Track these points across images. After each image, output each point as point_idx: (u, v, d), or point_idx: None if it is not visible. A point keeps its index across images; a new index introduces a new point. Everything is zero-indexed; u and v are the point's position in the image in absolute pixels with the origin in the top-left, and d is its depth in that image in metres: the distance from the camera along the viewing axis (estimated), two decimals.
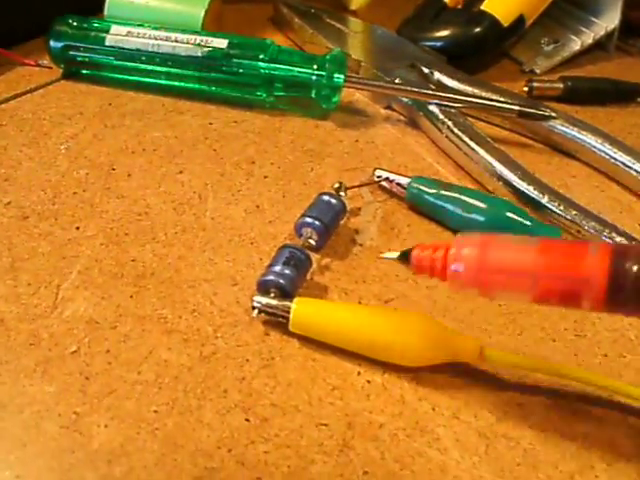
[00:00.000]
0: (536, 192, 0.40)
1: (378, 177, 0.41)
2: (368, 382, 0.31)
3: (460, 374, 0.31)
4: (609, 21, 0.57)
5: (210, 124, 0.46)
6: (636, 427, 0.30)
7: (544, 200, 0.39)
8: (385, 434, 0.29)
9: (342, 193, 0.39)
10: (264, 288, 0.33)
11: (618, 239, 0.37)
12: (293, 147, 0.44)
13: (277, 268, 0.33)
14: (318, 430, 0.29)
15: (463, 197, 0.38)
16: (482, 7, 0.53)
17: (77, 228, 0.37)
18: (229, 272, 0.35)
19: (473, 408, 0.30)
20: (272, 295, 0.32)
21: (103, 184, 0.40)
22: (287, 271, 0.33)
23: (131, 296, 0.34)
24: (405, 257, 0.29)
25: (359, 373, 0.31)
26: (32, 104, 0.46)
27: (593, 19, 0.58)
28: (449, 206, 0.38)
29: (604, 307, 0.25)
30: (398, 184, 0.40)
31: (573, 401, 0.31)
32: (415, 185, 0.39)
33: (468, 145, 0.43)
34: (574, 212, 0.39)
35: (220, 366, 0.31)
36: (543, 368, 0.31)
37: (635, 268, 0.24)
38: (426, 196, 0.39)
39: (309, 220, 0.36)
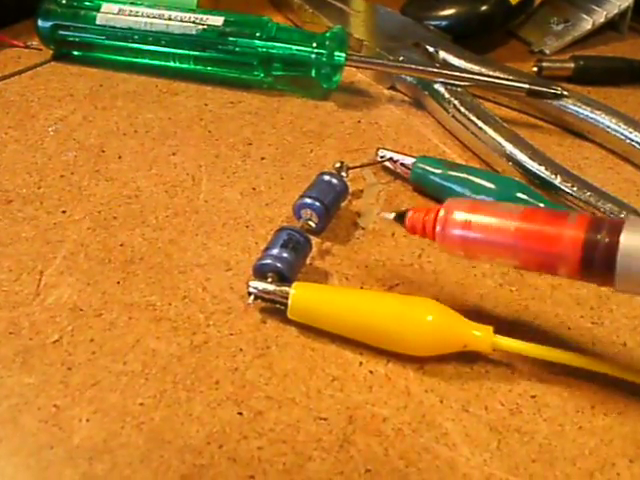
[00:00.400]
0: (548, 172, 0.38)
1: (381, 157, 0.39)
2: (371, 372, 0.29)
3: (469, 364, 0.29)
4: None
5: (205, 105, 0.44)
6: None
7: (557, 181, 0.38)
8: (389, 428, 0.27)
9: (344, 173, 0.37)
10: (261, 273, 0.31)
11: None
12: (292, 128, 0.43)
13: (274, 251, 0.31)
14: (316, 424, 0.27)
15: (471, 177, 0.37)
16: None
17: (63, 212, 0.35)
18: (223, 257, 0.33)
19: (484, 400, 0.28)
20: (269, 280, 0.30)
21: (92, 167, 0.38)
22: (285, 255, 0.31)
23: (118, 282, 0.32)
24: (401, 218, 0.30)
25: (361, 363, 0.29)
26: (20, 86, 0.45)
27: None
28: (456, 187, 0.37)
29: (579, 277, 0.26)
30: (402, 164, 0.38)
31: (591, 393, 0.29)
32: (420, 165, 0.38)
33: (476, 124, 0.41)
34: (588, 193, 0.37)
35: (212, 356, 0.29)
36: (558, 357, 0.29)
37: (607, 240, 0.25)
38: (432, 177, 0.37)
39: (309, 201, 0.34)
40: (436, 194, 0.38)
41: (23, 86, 0.45)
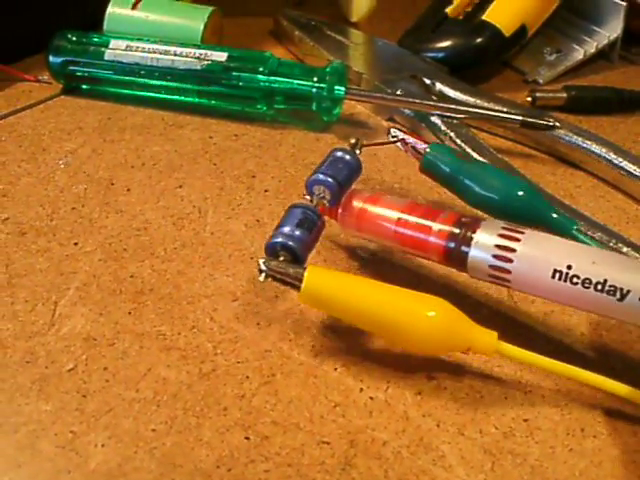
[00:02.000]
0: None
1: (394, 137, 0.38)
2: (371, 398, 0.30)
3: (465, 389, 0.31)
4: (612, 30, 0.57)
5: (210, 138, 0.45)
6: None
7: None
8: (388, 452, 0.28)
9: (358, 150, 0.36)
10: (273, 251, 0.31)
11: (625, 249, 0.37)
12: (294, 160, 0.44)
13: (287, 229, 0.31)
14: (320, 448, 0.28)
15: (481, 172, 0.36)
16: (484, 17, 0.52)
17: (75, 244, 0.37)
18: (229, 287, 0.35)
19: (479, 424, 0.29)
20: (282, 259, 0.31)
21: (102, 199, 0.40)
22: (298, 233, 0.31)
23: (129, 312, 0.33)
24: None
25: (361, 389, 0.30)
26: (32, 119, 0.46)
27: (596, 28, 0.58)
28: (466, 180, 0.36)
29: (444, 263, 0.32)
30: (414, 148, 0.37)
31: (581, 416, 0.30)
32: (433, 152, 0.37)
33: (471, 156, 0.42)
34: (581, 223, 0.38)
35: (220, 383, 0.30)
36: (558, 369, 0.30)
37: (464, 234, 0.31)
38: (443, 165, 0.36)
39: (322, 177, 0.33)
40: (444, 183, 0.37)
41: (35, 119, 0.46)
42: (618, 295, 0.28)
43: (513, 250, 0.30)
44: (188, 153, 0.44)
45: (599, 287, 0.28)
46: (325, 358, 0.31)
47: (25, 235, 0.37)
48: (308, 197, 0.35)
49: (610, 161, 0.44)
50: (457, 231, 0.31)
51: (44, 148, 0.44)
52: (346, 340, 0.32)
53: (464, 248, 0.30)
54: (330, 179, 0.33)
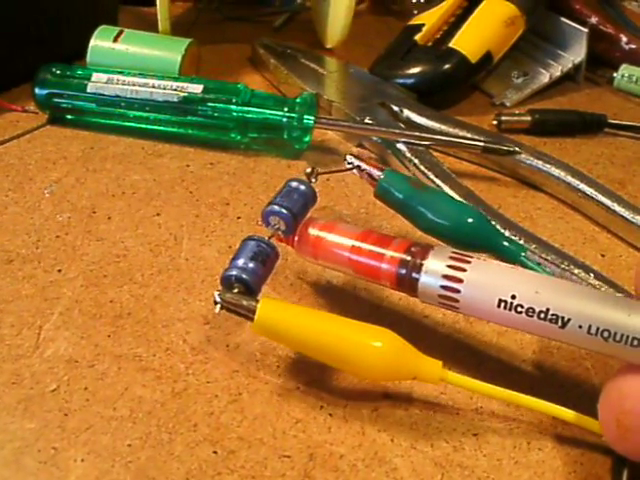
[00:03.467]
0: (498, 226, 0.41)
1: (349, 164, 0.39)
2: (330, 415, 0.32)
3: (419, 406, 0.33)
4: (576, 54, 0.59)
5: (187, 166, 0.48)
6: (587, 455, 0.31)
7: (506, 234, 0.41)
8: (345, 465, 0.30)
9: (313, 179, 0.37)
10: (228, 284, 0.32)
11: (576, 271, 0.39)
12: (266, 187, 0.46)
13: (241, 262, 0.32)
14: (281, 461, 0.30)
15: (433, 199, 0.37)
16: (451, 45, 0.55)
17: (59, 270, 0.39)
18: (201, 311, 0.37)
19: (430, 438, 0.32)
20: (236, 291, 0.31)
21: (84, 227, 0.42)
22: (252, 265, 0.32)
23: (109, 335, 0.35)
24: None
25: (322, 407, 0.33)
26: (19, 149, 0.48)
27: (561, 52, 0.60)
28: (418, 207, 0.37)
29: (396, 288, 0.33)
30: (370, 175, 0.38)
31: (528, 430, 0.32)
32: (388, 179, 0.37)
33: (433, 182, 0.45)
34: (534, 245, 0.40)
35: (191, 401, 0.32)
36: (500, 395, 0.32)
37: (415, 261, 0.32)
38: (397, 193, 0.37)
39: (276, 208, 0.34)
40: (397, 209, 0.38)
41: (22, 149, 0.48)
42: (560, 323, 0.29)
43: (460, 279, 0.31)
44: (166, 181, 0.46)
45: (542, 315, 0.29)
46: (289, 378, 0.34)
47: (12, 262, 0.39)
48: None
49: (569, 184, 0.46)
50: (408, 258, 0.32)
51: (30, 178, 0.46)
52: (308, 361, 0.34)
53: (415, 275, 0.32)
54: (285, 210, 0.34)
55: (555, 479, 0.30)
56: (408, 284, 0.32)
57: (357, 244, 0.34)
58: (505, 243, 0.37)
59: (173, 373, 0.34)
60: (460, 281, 0.31)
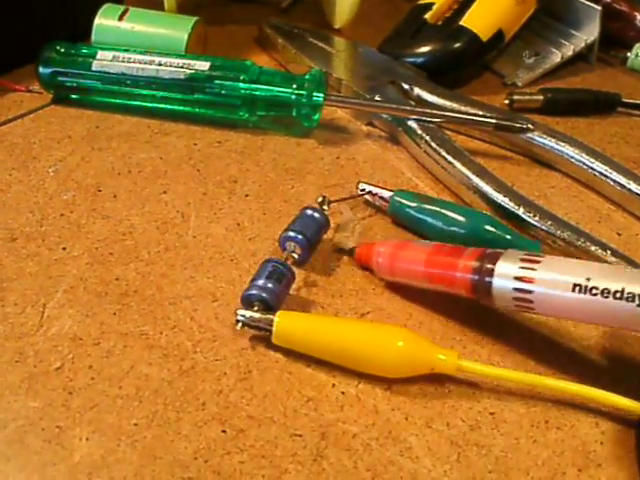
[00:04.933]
0: (512, 204, 0.41)
1: (362, 190, 0.42)
2: (342, 393, 0.32)
3: (434, 384, 0.32)
4: (589, 33, 0.58)
5: (194, 144, 0.47)
6: (608, 433, 0.31)
7: (520, 211, 0.40)
8: (358, 444, 0.30)
9: (325, 207, 0.40)
10: (248, 302, 0.34)
11: (593, 248, 0.38)
12: (274, 165, 0.45)
13: (260, 282, 0.34)
14: (292, 440, 0.30)
15: (443, 210, 0.39)
16: (461, 23, 0.54)
17: (64, 248, 0.38)
18: (209, 289, 0.36)
19: (446, 417, 0.31)
20: (255, 309, 0.33)
21: (89, 205, 0.41)
22: (270, 285, 0.34)
23: (114, 313, 0.35)
24: (352, 253, 0.38)
25: (334, 385, 0.32)
26: (23, 129, 0.48)
27: (573, 32, 0.59)
28: (430, 219, 0.39)
29: (473, 296, 0.33)
30: (381, 197, 0.41)
31: (546, 409, 0.32)
32: (397, 199, 0.40)
33: (445, 159, 0.44)
34: (549, 222, 0.40)
35: (199, 380, 0.32)
36: (517, 378, 0.32)
37: (486, 267, 0.32)
38: (408, 209, 0.40)
39: (292, 234, 0.37)
40: (412, 225, 0.41)
41: (26, 129, 0.48)
42: (637, 301, 0.29)
43: (532, 279, 0.31)
44: (173, 160, 0.45)
45: (617, 295, 0.29)
46: (299, 355, 0.33)
47: (16, 240, 0.38)
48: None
49: (583, 162, 0.45)
50: (479, 264, 0.33)
51: (34, 157, 0.45)
52: None
53: (487, 279, 0.32)
54: (300, 236, 0.37)
55: (575, 459, 0.30)
56: (483, 289, 0.33)
57: (431, 258, 0.35)
58: (519, 241, 0.38)
59: (180, 351, 0.33)
60: (532, 281, 0.31)
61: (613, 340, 0.35)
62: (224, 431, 0.30)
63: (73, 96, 0.50)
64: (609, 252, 0.38)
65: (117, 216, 0.40)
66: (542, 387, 0.32)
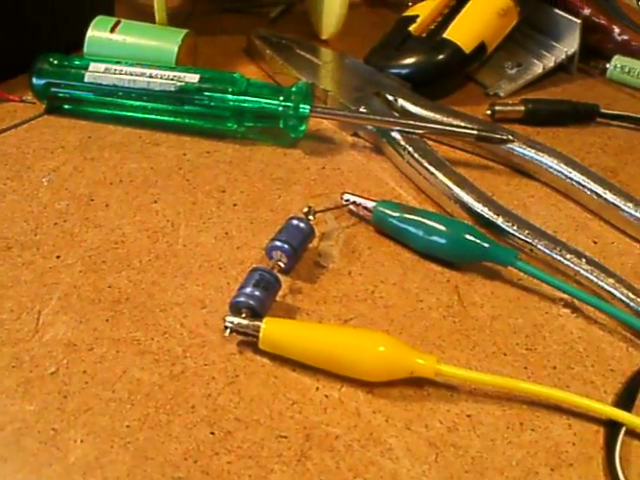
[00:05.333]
0: (491, 213, 0.42)
1: (346, 201, 0.43)
2: (326, 397, 0.33)
3: (413, 387, 0.33)
4: (569, 45, 0.60)
5: (184, 155, 0.48)
6: (580, 434, 0.32)
7: (499, 221, 0.42)
8: (340, 445, 0.31)
9: (311, 217, 0.41)
10: (236, 309, 0.35)
11: (568, 256, 0.40)
12: (262, 175, 0.46)
13: (248, 290, 0.35)
14: (278, 442, 0.31)
15: (425, 220, 0.40)
16: (445, 35, 0.55)
17: (57, 257, 0.39)
18: (198, 296, 0.37)
19: (425, 419, 0.32)
20: (243, 315, 0.34)
21: (82, 214, 0.42)
22: (257, 293, 0.35)
23: (107, 320, 0.36)
24: None
25: (317, 388, 0.33)
26: (16, 139, 0.48)
27: (554, 43, 0.61)
28: (412, 229, 0.40)
29: None
30: (365, 207, 0.42)
31: (521, 411, 0.33)
32: (380, 209, 0.42)
33: (427, 169, 0.45)
34: (527, 232, 0.41)
35: (188, 384, 0.33)
36: (494, 382, 0.33)
37: None
38: (390, 219, 0.41)
39: (279, 244, 0.38)
40: (394, 235, 0.42)
41: (20, 139, 0.48)
42: None
43: None
44: (163, 170, 0.46)
45: None
46: (285, 360, 0.34)
47: (11, 249, 0.39)
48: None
49: (561, 172, 0.47)
50: None
51: (28, 166, 0.46)
52: None
53: None
54: (286, 245, 0.38)
55: (548, 459, 0.31)
56: None
57: None
58: (498, 250, 0.39)
59: (171, 356, 0.34)
60: None
61: (587, 345, 0.36)
62: (213, 433, 0.31)
63: (66, 106, 0.51)
64: (584, 260, 0.39)
65: (109, 225, 0.41)
66: (517, 390, 0.33)
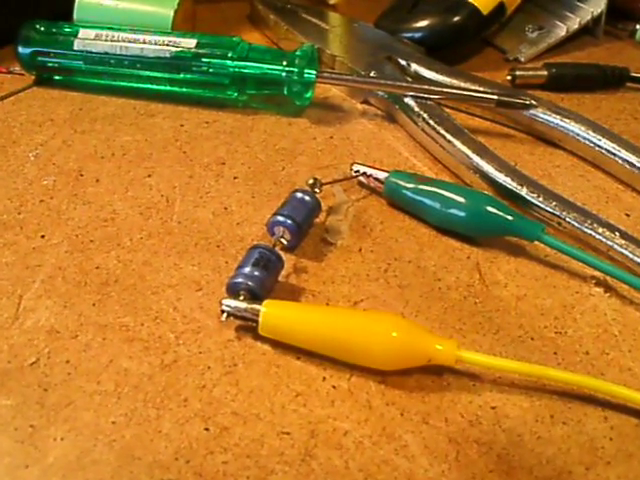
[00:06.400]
0: (514, 184, 0.39)
1: (356, 172, 0.40)
2: (334, 387, 0.30)
3: (431, 376, 0.31)
4: (595, 5, 0.56)
5: (181, 126, 0.45)
6: (617, 428, 0.29)
7: (523, 192, 0.39)
8: (350, 442, 0.28)
9: (317, 189, 0.38)
10: (233, 291, 0.32)
11: (600, 230, 0.36)
12: (265, 146, 0.44)
13: (246, 270, 0.32)
14: (280, 439, 0.28)
15: (442, 191, 0.37)
16: None
17: (42, 236, 0.37)
18: (194, 277, 0.34)
19: (444, 412, 0.29)
20: (241, 298, 0.31)
21: (70, 191, 0.39)
22: (257, 273, 0.32)
23: (93, 304, 0.33)
24: None
25: (324, 378, 0.30)
26: (2, 112, 0.46)
27: (579, 3, 0.57)
28: (428, 201, 0.38)
29: None
30: (376, 179, 0.39)
31: (551, 402, 0.30)
32: (393, 180, 0.39)
33: (444, 137, 0.42)
34: (554, 203, 0.38)
35: (181, 374, 0.30)
36: (521, 369, 0.30)
37: None
38: (404, 191, 0.38)
39: (281, 219, 0.35)
40: (409, 208, 0.39)
41: (5, 112, 0.46)
42: None
43: None
44: (158, 142, 0.44)
45: None
46: (288, 347, 0.31)
47: None
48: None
49: (589, 140, 0.44)
50: None
51: (14, 141, 0.43)
52: None
53: None
54: (289, 220, 0.35)
55: (582, 456, 0.28)
56: None
57: None
58: (523, 223, 0.36)
59: (162, 343, 0.31)
60: None
61: (622, 327, 0.33)
62: (207, 429, 0.28)
63: (56, 77, 0.48)
64: (617, 234, 0.36)
65: (99, 202, 0.39)
66: (547, 379, 0.30)
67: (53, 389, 0.29)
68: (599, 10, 0.56)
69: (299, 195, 0.37)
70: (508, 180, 0.39)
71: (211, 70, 0.45)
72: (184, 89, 0.46)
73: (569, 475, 0.27)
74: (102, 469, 0.27)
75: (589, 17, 0.56)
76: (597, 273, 0.35)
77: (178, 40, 0.45)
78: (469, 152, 0.41)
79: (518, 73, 0.51)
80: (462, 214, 0.37)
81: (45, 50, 0.46)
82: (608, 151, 0.43)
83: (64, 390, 0.29)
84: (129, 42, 0.45)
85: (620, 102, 0.51)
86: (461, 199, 0.37)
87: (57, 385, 0.29)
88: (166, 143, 0.43)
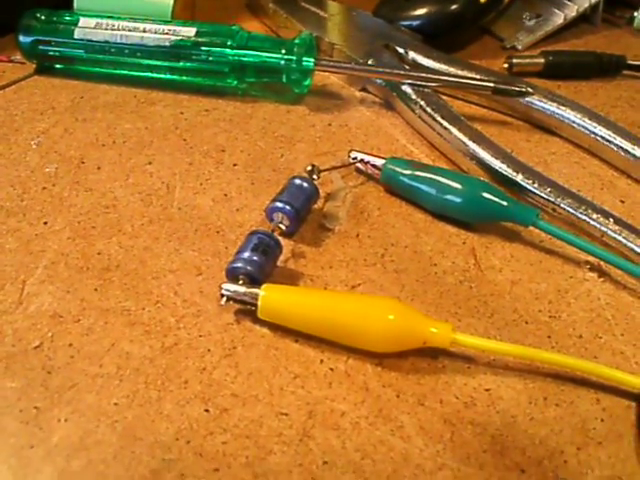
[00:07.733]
0: (510, 170, 0.39)
1: (353, 159, 0.40)
2: (331, 370, 0.30)
3: (426, 359, 0.31)
4: None
5: (181, 114, 0.45)
6: (609, 410, 0.30)
7: (518, 178, 0.39)
8: (347, 423, 0.28)
9: (315, 176, 0.38)
10: (233, 275, 0.32)
11: (595, 216, 0.37)
12: (264, 133, 0.44)
13: (246, 255, 0.33)
14: (278, 420, 0.28)
15: (438, 178, 0.38)
16: None
17: (45, 223, 0.37)
18: (194, 262, 0.35)
19: (439, 394, 0.30)
20: (240, 282, 0.32)
21: (72, 178, 0.40)
22: (255, 258, 0.32)
23: (96, 289, 0.33)
24: None
25: (322, 361, 0.31)
26: (4, 100, 0.46)
27: None
28: (424, 187, 0.38)
29: None
30: (373, 165, 0.40)
31: (544, 385, 0.30)
32: (390, 166, 0.39)
33: (441, 124, 0.42)
34: (549, 190, 0.38)
35: (181, 357, 0.31)
36: (515, 352, 0.31)
37: None
38: (401, 177, 0.39)
39: (280, 205, 0.36)
40: (406, 194, 0.39)
41: (7, 100, 0.46)
42: None
43: None
44: (159, 130, 0.44)
45: None
46: (286, 330, 0.32)
47: None
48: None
49: (585, 127, 0.44)
50: None
51: (16, 129, 0.43)
52: None
53: None
54: (288, 206, 0.35)
55: (574, 437, 0.29)
56: None
57: None
58: (518, 209, 0.36)
59: (163, 327, 0.32)
60: None
61: (616, 312, 0.34)
62: (207, 410, 0.29)
63: (57, 66, 0.48)
64: (611, 220, 0.37)
65: (100, 188, 0.39)
66: (540, 361, 0.31)
67: (57, 372, 0.30)
68: None
69: (297, 182, 0.37)
70: (504, 167, 0.39)
71: (211, 58, 0.45)
72: (184, 77, 0.47)
73: (561, 455, 0.28)
74: (105, 449, 0.27)
75: (587, 5, 0.56)
76: (591, 258, 0.36)
77: (178, 29, 0.45)
78: (466, 139, 0.41)
79: (515, 61, 0.51)
80: (458, 200, 0.37)
81: (46, 39, 0.47)
82: (604, 138, 0.43)
83: (67, 373, 0.30)
84: (129, 31, 0.45)
85: (617, 90, 0.51)
86: (457, 185, 0.37)
87: (60, 368, 0.30)
88: (166, 131, 0.44)
